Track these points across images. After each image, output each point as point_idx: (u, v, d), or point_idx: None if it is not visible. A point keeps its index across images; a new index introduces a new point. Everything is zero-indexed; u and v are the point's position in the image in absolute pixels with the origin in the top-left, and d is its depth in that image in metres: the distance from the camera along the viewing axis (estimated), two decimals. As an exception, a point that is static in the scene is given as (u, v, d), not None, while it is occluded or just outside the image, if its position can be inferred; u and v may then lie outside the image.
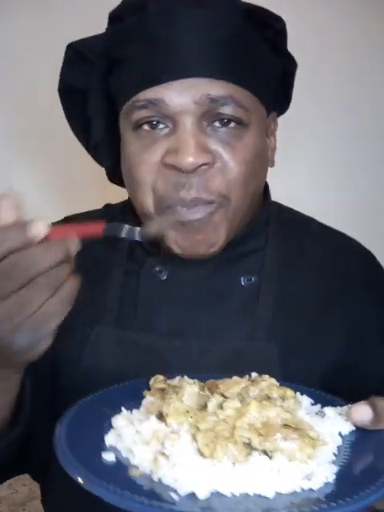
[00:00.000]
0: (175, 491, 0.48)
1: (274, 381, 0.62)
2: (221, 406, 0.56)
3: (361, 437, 0.56)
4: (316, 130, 1.42)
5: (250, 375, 0.65)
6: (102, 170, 0.88)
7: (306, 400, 0.62)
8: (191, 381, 0.66)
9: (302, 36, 1.33)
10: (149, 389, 0.65)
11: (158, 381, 0.66)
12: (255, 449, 0.51)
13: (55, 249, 0.50)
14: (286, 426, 0.53)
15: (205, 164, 0.68)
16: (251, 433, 0.51)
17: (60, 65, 0.78)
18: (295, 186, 1.39)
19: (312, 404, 0.62)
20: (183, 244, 0.72)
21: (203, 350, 0.74)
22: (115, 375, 0.69)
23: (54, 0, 1.38)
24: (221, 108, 0.68)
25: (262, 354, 0.73)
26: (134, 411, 0.61)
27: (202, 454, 0.50)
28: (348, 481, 0.49)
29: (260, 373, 0.66)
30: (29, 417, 0.68)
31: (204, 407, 0.58)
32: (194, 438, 0.52)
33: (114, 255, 0.81)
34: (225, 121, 0.69)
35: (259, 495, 0.47)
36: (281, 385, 0.62)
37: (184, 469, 0.49)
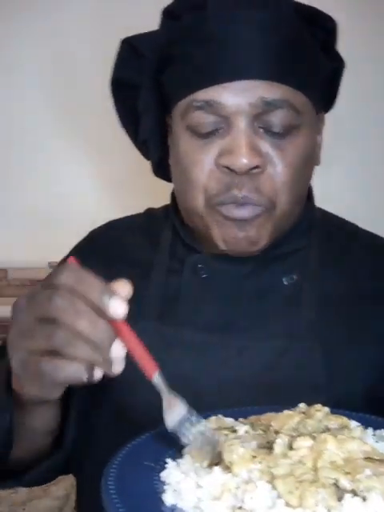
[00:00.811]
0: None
1: (327, 409, 0.58)
2: (289, 446, 0.51)
3: None
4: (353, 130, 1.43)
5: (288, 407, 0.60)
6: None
7: (353, 424, 0.58)
8: (227, 420, 0.61)
9: None
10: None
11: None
12: (344, 490, 0.46)
13: (102, 332, 0.50)
14: (368, 459, 0.48)
15: (257, 167, 0.69)
16: (337, 472, 0.47)
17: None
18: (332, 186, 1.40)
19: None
20: (228, 240, 0.73)
21: (243, 347, 0.74)
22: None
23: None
24: (275, 111, 0.69)
25: (305, 353, 0.73)
26: (179, 461, 0.55)
27: (287, 504, 0.45)
28: None
29: (302, 372, 0.70)
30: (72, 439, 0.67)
31: (265, 448, 0.53)
32: (272, 485, 0.47)
33: (155, 254, 0.82)
34: (282, 128, 0.70)
35: (365, 542, 0.42)
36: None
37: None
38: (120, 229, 0.91)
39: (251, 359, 0.73)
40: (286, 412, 0.57)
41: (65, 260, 0.89)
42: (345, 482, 0.46)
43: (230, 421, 0.61)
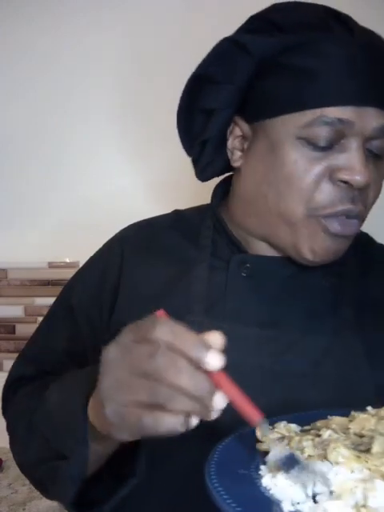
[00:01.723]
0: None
1: (394, 411, 0.63)
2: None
3: None
4: None
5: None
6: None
7: None
8: (295, 426, 0.63)
9: None
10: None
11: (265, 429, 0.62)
12: None
13: (203, 386, 0.51)
14: None
15: (369, 184, 0.75)
16: None
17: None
18: None
19: None
20: (318, 251, 0.77)
21: (292, 342, 0.77)
22: None
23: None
24: (381, 139, 0.75)
25: (349, 349, 0.77)
26: (262, 467, 0.57)
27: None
28: None
29: (346, 366, 0.75)
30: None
31: (356, 448, 0.56)
32: (387, 482, 0.50)
33: (197, 252, 0.86)
34: (380, 148, 0.76)
35: None
36: None
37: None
38: (151, 228, 0.93)
39: (299, 354, 0.77)
40: (362, 415, 0.61)
41: (98, 258, 0.91)
42: None
43: (294, 426, 0.64)
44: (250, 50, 0.76)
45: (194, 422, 0.53)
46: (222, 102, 0.80)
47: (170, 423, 0.51)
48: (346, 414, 0.64)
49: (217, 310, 0.80)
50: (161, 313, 0.57)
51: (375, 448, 0.55)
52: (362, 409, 0.65)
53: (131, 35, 1.49)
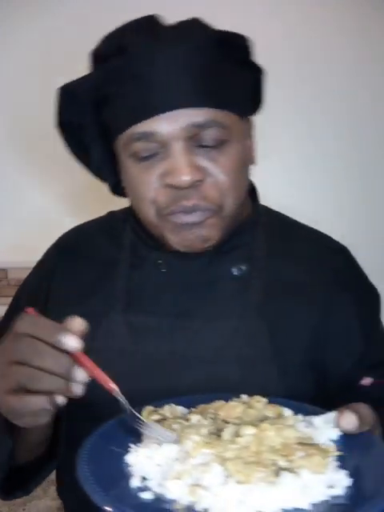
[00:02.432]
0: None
1: (265, 400, 0.69)
2: (236, 434, 0.61)
3: (347, 440, 0.65)
4: (315, 130, 1.49)
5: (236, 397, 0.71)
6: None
7: (287, 411, 0.69)
8: (181, 409, 0.70)
9: (303, 36, 1.43)
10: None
11: (150, 412, 0.69)
12: (282, 468, 0.57)
13: (63, 364, 0.59)
14: (300, 443, 0.60)
15: (198, 180, 0.78)
16: (275, 455, 0.57)
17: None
18: (291, 184, 1.48)
19: (294, 414, 0.70)
20: (182, 243, 0.83)
21: (199, 328, 0.84)
22: (125, 355, 0.83)
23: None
24: (205, 131, 0.78)
25: (253, 330, 0.83)
26: (140, 445, 0.64)
27: (238, 481, 0.55)
28: (362, 483, 0.57)
29: (252, 347, 0.82)
30: None
31: (215, 434, 0.63)
32: (224, 466, 0.57)
33: (119, 252, 0.92)
34: (212, 143, 0.79)
35: (298, 509, 0.53)
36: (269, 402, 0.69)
37: (226, 497, 0.54)
38: (85, 232, 1.01)
39: (208, 339, 0.83)
40: (230, 402, 0.68)
41: (39, 264, 1.00)
42: (282, 462, 0.57)
43: (180, 409, 0.71)
44: (77, 93, 0.83)
45: (60, 399, 0.60)
46: (92, 136, 0.87)
47: (35, 402, 0.59)
48: (227, 399, 0.70)
49: (135, 305, 0.87)
50: (30, 310, 0.65)
51: (225, 435, 0.61)
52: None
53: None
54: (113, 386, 0.63)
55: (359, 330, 0.89)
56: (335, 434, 0.65)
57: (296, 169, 1.52)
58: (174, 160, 0.78)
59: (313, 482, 0.56)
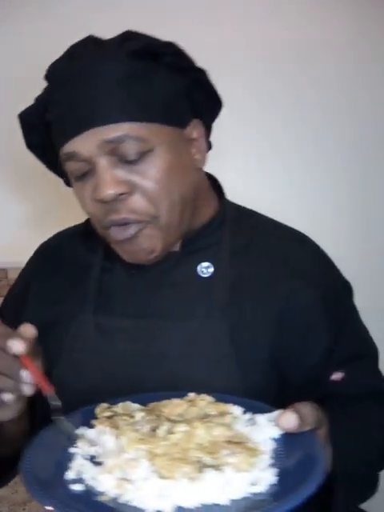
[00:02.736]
0: (143, 511, 0.55)
1: (210, 398, 0.71)
2: (170, 431, 0.64)
3: (288, 439, 0.66)
4: (316, 132, 1.49)
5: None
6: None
7: (237, 409, 0.71)
8: (136, 406, 0.73)
9: (303, 34, 1.43)
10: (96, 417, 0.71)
11: (103, 409, 0.73)
12: (207, 465, 0.59)
13: (9, 366, 0.67)
14: (229, 441, 0.61)
15: (123, 193, 0.80)
16: (202, 452, 0.60)
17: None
18: (291, 184, 1.47)
19: (243, 412, 0.71)
20: (128, 256, 0.87)
21: (164, 328, 0.87)
22: (94, 355, 0.87)
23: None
24: (121, 145, 0.79)
25: (216, 330, 0.85)
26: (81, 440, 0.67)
27: (161, 476, 0.58)
28: (287, 480, 0.58)
29: (215, 346, 0.84)
30: None
31: (154, 431, 0.65)
32: (152, 462, 0.59)
33: (91, 256, 0.96)
34: (133, 156, 0.80)
35: (217, 504, 0.56)
36: (216, 400, 0.71)
37: (148, 491, 0.56)
38: (64, 237, 1.05)
39: (172, 338, 0.86)
40: (175, 400, 0.70)
41: (23, 268, 1.06)
42: (207, 460, 0.59)
43: (135, 406, 0.74)
44: (29, 120, 0.89)
45: (7, 397, 0.67)
46: (55, 156, 0.89)
47: None
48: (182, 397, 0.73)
49: (105, 307, 0.91)
50: None
51: (160, 432, 0.64)
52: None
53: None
54: (49, 390, 0.69)
55: (324, 325, 0.89)
56: (276, 432, 0.66)
57: (296, 169, 1.51)
58: (98, 176, 0.80)
59: (235, 479, 0.58)
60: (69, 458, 0.65)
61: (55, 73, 0.84)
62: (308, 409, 0.66)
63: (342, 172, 1.52)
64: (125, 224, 0.82)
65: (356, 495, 0.84)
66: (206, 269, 0.90)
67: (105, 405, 0.74)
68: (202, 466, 0.59)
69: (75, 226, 1.06)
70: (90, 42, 0.84)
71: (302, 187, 1.52)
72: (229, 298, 0.88)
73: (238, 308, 0.87)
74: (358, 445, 0.82)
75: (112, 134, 0.79)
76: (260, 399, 0.76)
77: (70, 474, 0.62)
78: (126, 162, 0.80)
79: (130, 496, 0.57)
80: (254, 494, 0.57)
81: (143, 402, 0.75)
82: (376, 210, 1.53)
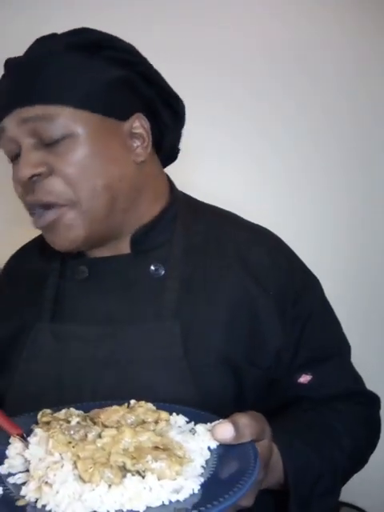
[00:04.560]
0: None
1: (150, 405, 0.69)
2: (99, 435, 0.62)
3: (226, 449, 0.64)
4: (317, 132, 1.48)
5: (129, 403, 0.72)
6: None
7: (181, 419, 0.70)
8: (76, 412, 0.72)
9: (303, 34, 1.43)
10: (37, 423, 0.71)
11: (45, 414, 0.72)
12: (129, 471, 0.57)
13: None
14: (156, 448, 0.60)
15: (37, 174, 0.81)
16: (125, 457, 0.58)
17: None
18: (291, 184, 1.46)
19: (187, 422, 0.70)
20: (52, 244, 0.87)
21: (117, 333, 0.86)
22: (50, 363, 0.86)
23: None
24: (39, 126, 0.81)
25: (167, 331, 0.84)
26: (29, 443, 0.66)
27: (82, 480, 0.56)
28: (211, 490, 0.57)
29: (166, 348, 0.83)
30: None
31: (86, 437, 0.64)
32: (75, 465, 0.58)
33: (49, 263, 0.96)
34: (52, 138, 0.82)
35: (132, 510, 0.54)
36: (158, 408, 0.70)
37: (65, 494, 0.55)
38: (25, 251, 1.06)
39: (124, 342, 0.85)
40: (114, 407, 0.69)
41: None
42: (129, 465, 0.58)
43: (76, 412, 0.73)
44: None
45: None
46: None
47: None
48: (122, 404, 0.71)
49: (60, 314, 0.90)
50: None
51: (90, 437, 0.63)
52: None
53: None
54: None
55: (277, 325, 0.87)
56: (214, 443, 0.65)
57: (296, 169, 1.49)
58: (21, 156, 0.83)
59: (156, 487, 0.56)
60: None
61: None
62: (247, 420, 0.64)
63: (342, 172, 1.50)
64: (46, 210, 0.83)
65: (316, 508, 0.80)
66: (157, 269, 0.89)
67: (47, 411, 0.73)
68: (124, 471, 0.57)
69: (37, 237, 1.06)
70: (48, 36, 0.87)
71: (301, 187, 1.50)
72: (181, 297, 0.86)
73: (189, 307, 0.86)
74: (316, 458, 0.79)
75: (28, 113, 0.81)
76: (216, 402, 0.74)
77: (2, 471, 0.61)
78: (45, 144, 0.82)
79: (47, 499, 0.55)
80: (172, 503, 0.55)
81: (88, 410, 0.74)
82: (376, 210, 1.50)
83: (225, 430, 0.63)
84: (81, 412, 0.73)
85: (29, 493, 0.57)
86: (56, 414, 0.72)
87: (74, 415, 0.71)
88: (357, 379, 0.94)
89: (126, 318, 0.87)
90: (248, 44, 1.47)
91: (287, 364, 0.88)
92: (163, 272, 0.89)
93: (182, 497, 0.56)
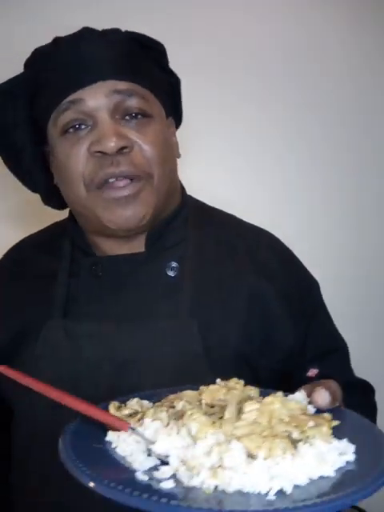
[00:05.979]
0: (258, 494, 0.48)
1: (242, 382, 0.66)
2: (238, 412, 0.57)
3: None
4: (317, 133, 1.45)
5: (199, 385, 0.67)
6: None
7: (255, 391, 0.67)
8: (145, 402, 0.65)
9: (302, 49, 1.40)
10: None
11: (116, 407, 0.63)
12: (295, 440, 0.54)
13: None
14: (304, 414, 0.58)
15: (125, 147, 0.82)
16: (288, 426, 0.55)
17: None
18: (291, 184, 1.42)
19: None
20: (116, 221, 0.84)
21: (132, 331, 0.84)
22: (63, 360, 0.84)
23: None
24: (128, 100, 0.84)
25: (184, 329, 0.84)
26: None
27: (253, 457, 0.51)
28: (363, 449, 0.56)
29: (183, 347, 0.82)
30: None
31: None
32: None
33: (59, 262, 0.93)
34: (133, 114, 0.84)
35: (324, 476, 0.51)
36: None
37: (253, 473, 0.50)
38: (26, 246, 1.03)
39: (140, 340, 0.83)
40: (211, 387, 0.64)
41: None
42: (296, 434, 0.55)
43: (146, 403, 0.65)
44: (10, 90, 0.89)
45: None
46: (24, 139, 0.91)
47: None
48: (194, 389, 0.65)
49: (73, 312, 0.88)
50: None
51: (227, 415, 0.57)
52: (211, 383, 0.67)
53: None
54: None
55: (289, 322, 0.90)
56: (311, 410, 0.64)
57: (295, 170, 1.48)
58: (100, 128, 0.82)
59: (329, 451, 0.54)
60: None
61: (57, 41, 0.86)
62: (335, 385, 0.67)
63: (343, 171, 1.50)
64: (123, 186, 0.82)
65: None
66: (173, 268, 0.89)
67: (116, 403, 0.64)
68: (293, 441, 0.54)
69: (37, 234, 1.05)
70: (85, 30, 0.88)
71: (300, 189, 1.48)
72: (195, 296, 0.86)
73: (204, 307, 0.86)
74: None
75: (122, 86, 0.83)
76: None
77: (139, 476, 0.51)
78: (127, 120, 0.84)
79: (228, 483, 0.49)
80: (349, 463, 0.54)
81: (151, 397, 0.66)
82: (376, 210, 1.52)
83: (325, 396, 0.64)
84: (147, 402, 0.65)
85: (206, 481, 0.49)
86: (129, 405, 0.63)
87: (147, 406, 0.63)
88: (352, 371, 1.01)
89: (141, 316, 0.86)
90: (248, 44, 1.43)
91: (297, 359, 0.91)
92: (178, 271, 0.89)
93: (350, 457, 0.54)
